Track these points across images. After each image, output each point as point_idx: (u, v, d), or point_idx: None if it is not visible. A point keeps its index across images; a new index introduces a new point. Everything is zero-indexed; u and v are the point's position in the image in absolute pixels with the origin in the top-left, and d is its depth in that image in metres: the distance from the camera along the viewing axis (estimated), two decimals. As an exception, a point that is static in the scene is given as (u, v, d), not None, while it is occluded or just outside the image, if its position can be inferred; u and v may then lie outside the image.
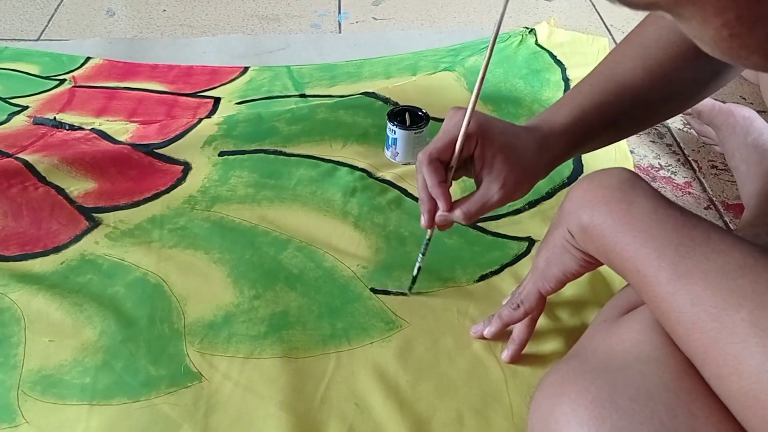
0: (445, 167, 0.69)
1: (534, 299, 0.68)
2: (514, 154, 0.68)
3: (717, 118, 1.00)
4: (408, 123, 0.97)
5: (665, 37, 0.70)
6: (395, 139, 0.97)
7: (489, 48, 0.65)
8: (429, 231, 0.74)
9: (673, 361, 0.49)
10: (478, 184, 0.69)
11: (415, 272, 0.79)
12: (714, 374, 0.45)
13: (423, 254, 0.77)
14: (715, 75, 0.74)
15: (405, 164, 0.98)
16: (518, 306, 0.69)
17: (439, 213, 0.70)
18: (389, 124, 0.96)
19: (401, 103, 1.06)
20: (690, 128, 1.09)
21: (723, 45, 0.37)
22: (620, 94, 0.71)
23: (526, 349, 0.73)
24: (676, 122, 1.11)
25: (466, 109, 0.67)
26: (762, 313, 0.43)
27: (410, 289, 0.80)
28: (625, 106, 0.72)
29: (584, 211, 0.56)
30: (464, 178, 0.73)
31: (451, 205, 0.69)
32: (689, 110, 1.05)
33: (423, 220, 0.71)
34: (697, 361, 0.47)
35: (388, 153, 1.00)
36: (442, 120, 1.05)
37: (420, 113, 0.98)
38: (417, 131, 0.96)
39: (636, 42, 0.73)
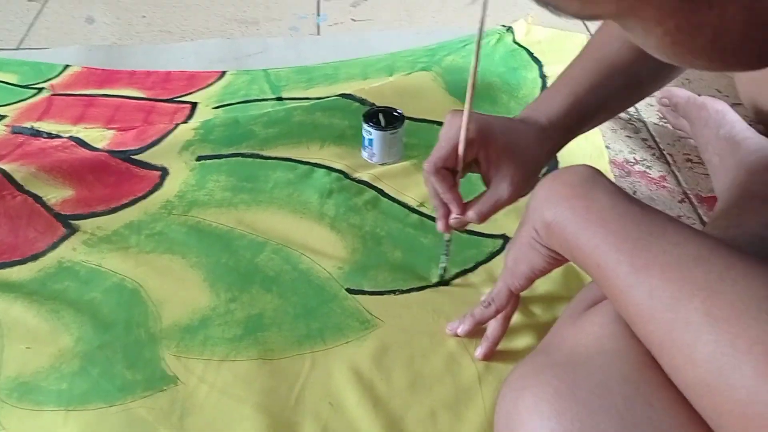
0: (452, 172, 0.71)
1: (504, 297, 0.69)
2: (518, 151, 0.70)
3: (691, 111, 1.01)
4: (383, 124, 0.97)
5: None
6: (371, 140, 0.97)
7: (475, 54, 0.65)
8: (447, 234, 0.77)
9: (633, 353, 0.50)
10: (487, 183, 0.72)
11: (441, 271, 0.82)
12: (670, 364, 0.46)
13: (446, 254, 0.80)
14: None
15: (382, 164, 0.99)
16: (489, 304, 0.70)
17: (452, 216, 0.72)
18: (364, 125, 0.97)
19: (378, 104, 1.07)
20: (666, 122, 1.10)
21: (667, 51, 0.38)
22: (611, 74, 0.73)
23: (500, 346, 0.73)
24: (651, 116, 1.12)
25: (462, 114, 0.69)
26: (714, 302, 0.43)
27: (441, 279, 0.83)
28: (616, 85, 0.74)
29: (547, 208, 0.57)
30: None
31: (464, 207, 0.72)
32: (666, 101, 1.06)
33: (439, 225, 0.74)
34: (655, 351, 0.48)
35: (364, 154, 1.00)
36: (419, 120, 1.07)
37: (395, 113, 0.99)
38: (392, 131, 0.97)
39: None
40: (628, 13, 0.36)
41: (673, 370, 0.46)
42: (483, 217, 0.71)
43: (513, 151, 0.70)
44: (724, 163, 0.91)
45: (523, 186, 0.71)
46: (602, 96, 0.73)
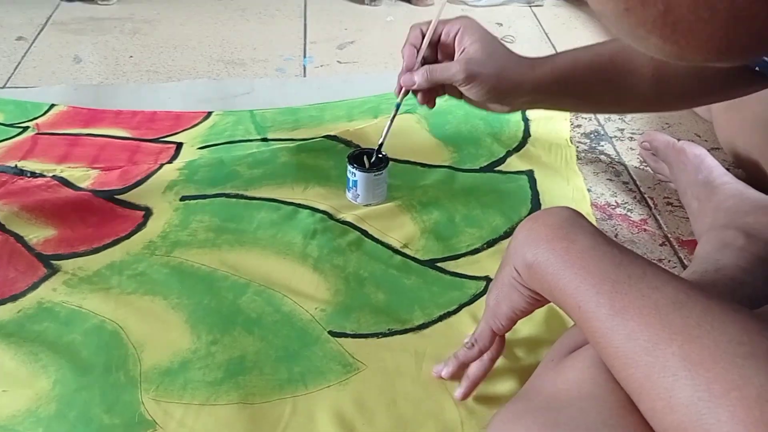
0: (422, 38, 0.81)
1: (487, 337, 0.69)
2: (492, 53, 0.79)
3: (670, 155, 1.02)
4: (367, 165, 0.98)
5: None
6: (355, 181, 0.98)
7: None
8: (399, 98, 0.87)
9: (612, 397, 0.50)
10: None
11: (381, 140, 0.95)
12: (649, 408, 0.46)
13: (390, 124, 0.92)
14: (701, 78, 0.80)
15: (366, 205, 0.99)
16: (473, 345, 0.70)
17: (404, 75, 0.82)
18: (349, 167, 0.98)
19: (363, 145, 1.08)
20: (646, 165, 1.11)
21: (623, 20, 0.37)
22: (613, 58, 0.79)
23: (483, 390, 0.73)
24: (632, 160, 1.14)
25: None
26: (691, 346, 0.44)
27: (380, 147, 0.96)
28: (617, 71, 0.80)
29: (528, 249, 0.58)
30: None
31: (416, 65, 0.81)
32: (647, 145, 1.08)
33: (396, 87, 0.84)
34: (634, 395, 0.48)
35: (349, 195, 1.01)
36: (403, 161, 1.07)
37: (380, 155, 0.99)
38: (376, 173, 0.97)
39: None
40: None
41: (651, 415, 0.46)
42: (427, 80, 0.80)
43: (488, 49, 0.78)
44: (703, 207, 0.92)
45: (476, 80, 0.78)
46: (599, 70, 0.80)
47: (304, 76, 1.40)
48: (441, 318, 0.83)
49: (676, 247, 0.96)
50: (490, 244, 0.94)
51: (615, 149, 1.16)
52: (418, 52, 0.82)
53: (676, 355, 0.44)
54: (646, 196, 1.06)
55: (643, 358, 0.46)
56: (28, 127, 1.16)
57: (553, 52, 0.93)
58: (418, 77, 0.80)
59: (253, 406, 0.72)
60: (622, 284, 0.50)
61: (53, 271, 0.88)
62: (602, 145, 1.17)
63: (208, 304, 0.84)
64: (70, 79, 1.36)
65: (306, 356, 0.78)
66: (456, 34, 0.80)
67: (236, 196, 1.01)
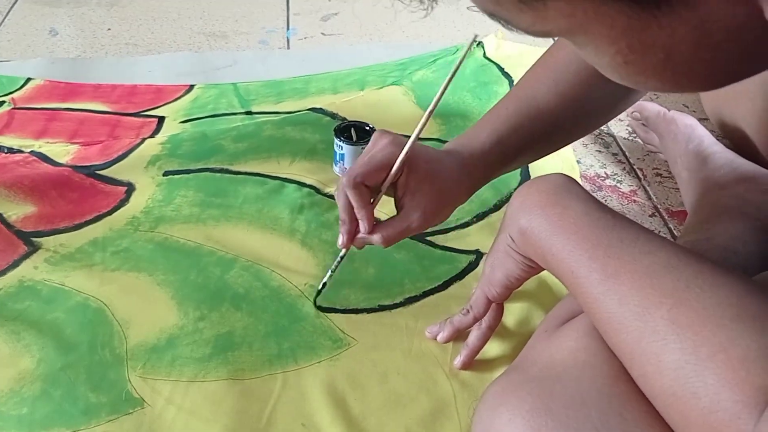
0: (370, 190, 0.70)
1: (482, 304, 0.68)
2: (437, 182, 0.70)
3: (660, 125, 1.01)
4: (355, 138, 0.96)
5: (575, 60, 0.73)
6: (342, 155, 0.96)
7: (442, 87, 0.68)
8: (344, 250, 0.74)
9: (607, 366, 0.50)
10: (399, 209, 0.71)
11: (320, 286, 0.79)
12: (640, 374, 0.46)
13: (333, 272, 0.77)
14: (625, 95, 0.78)
15: None
16: (468, 311, 0.70)
17: (360, 235, 0.71)
18: (336, 140, 0.96)
19: (349, 118, 1.06)
20: (635, 137, 1.11)
21: (620, 71, 0.38)
22: (534, 117, 0.74)
23: (476, 365, 0.72)
24: (621, 131, 1.13)
25: (392, 135, 0.70)
26: (680, 310, 0.44)
27: (315, 302, 0.80)
28: (539, 128, 0.74)
29: (522, 215, 0.57)
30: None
31: (373, 228, 0.71)
32: (637, 115, 1.07)
33: (341, 240, 0.72)
34: (626, 361, 0.48)
35: (336, 168, 0.99)
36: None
37: (367, 128, 0.98)
38: (364, 146, 0.95)
39: (548, 65, 0.76)
40: (579, 31, 0.36)
41: (642, 380, 0.46)
42: (388, 242, 0.71)
43: (432, 181, 0.70)
44: (693, 177, 0.92)
45: (434, 217, 0.72)
46: (525, 136, 0.74)
47: (288, 48, 1.37)
48: (432, 292, 0.82)
49: (666, 218, 0.96)
50: (480, 217, 0.93)
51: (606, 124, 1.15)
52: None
53: (665, 319, 0.44)
54: (635, 167, 1.06)
55: (634, 323, 0.46)
56: (3, 102, 1.13)
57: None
58: (378, 241, 0.71)
59: (242, 381, 0.71)
60: (614, 249, 0.50)
61: (34, 248, 0.86)
62: (590, 117, 1.16)
63: (195, 280, 0.82)
64: (47, 52, 1.32)
65: (295, 331, 0.77)
66: (400, 175, 0.70)
67: (221, 170, 0.99)
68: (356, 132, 0.97)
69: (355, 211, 0.70)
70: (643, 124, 1.07)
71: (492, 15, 0.37)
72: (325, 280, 0.78)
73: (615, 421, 0.45)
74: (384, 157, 0.68)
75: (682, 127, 0.97)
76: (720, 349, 0.41)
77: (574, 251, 0.52)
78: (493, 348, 0.74)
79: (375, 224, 0.71)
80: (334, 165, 0.99)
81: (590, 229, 0.52)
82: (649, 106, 1.05)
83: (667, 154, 1.01)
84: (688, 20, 0.33)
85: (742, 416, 0.39)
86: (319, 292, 0.80)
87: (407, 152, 0.68)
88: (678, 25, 0.34)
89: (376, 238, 0.70)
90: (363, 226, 0.70)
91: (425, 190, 0.70)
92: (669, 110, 1.01)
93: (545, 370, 0.52)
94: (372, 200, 0.71)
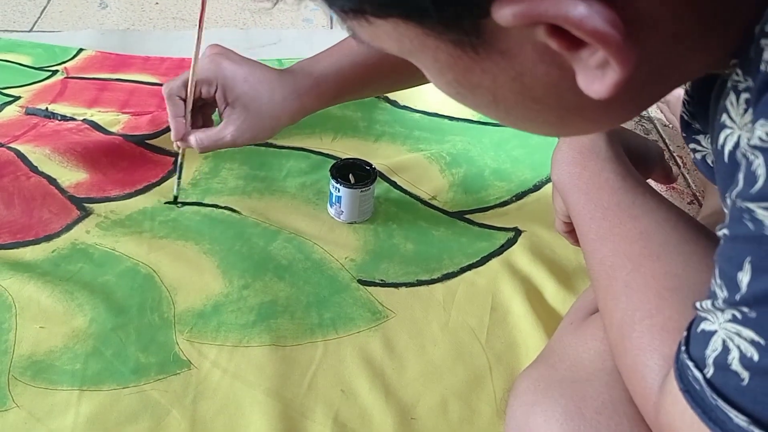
0: (185, 102, 0.79)
1: (560, 228, 0.70)
2: (255, 102, 0.77)
3: (679, 109, 1.02)
4: (353, 180, 0.88)
5: None
6: (339, 197, 0.87)
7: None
8: (180, 154, 0.86)
9: None
10: (221, 121, 0.79)
11: (175, 192, 0.90)
12: (605, 325, 0.51)
13: (178, 177, 0.89)
14: None
15: (350, 223, 0.90)
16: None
17: (180, 140, 0.80)
18: (332, 182, 0.87)
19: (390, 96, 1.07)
20: (672, 126, 1.11)
21: (459, 100, 0.39)
22: (380, 57, 0.77)
23: (511, 339, 0.74)
24: (662, 118, 1.13)
25: (216, 50, 0.79)
26: (635, 274, 0.48)
27: (176, 200, 0.91)
28: (384, 68, 0.78)
29: (554, 169, 0.62)
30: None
31: (187, 133, 0.80)
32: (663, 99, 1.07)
33: (173, 143, 0.82)
34: (601, 316, 0.52)
35: (331, 211, 0.90)
36: (431, 114, 1.07)
37: (367, 167, 0.89)
38: (363, 189, 0.87)
39: None
40: (409, 56, 0.36)
41: (606, 333, 0.51)
42: (202, 147, 0.79)
43: (250, 100, 0.76)
44: None
45: (250, 134, 0.78)
46: (368, 74, 0.78)
47: (331, 27, 1.39)
48: (469, 267, 0.84)
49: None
50: (519, 197, 0.94)
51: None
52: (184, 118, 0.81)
53: (622, 281, 0.48)
54: (675, 154, 1.06)
55: (603, 282, 0.51)
56: (57, 71, 1.16)
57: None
58: (193, 144, 0.80)
59: (284, 348, 0.74)
60: (610, 211, 0.53)
61: (86, 213, 0.89)
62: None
63: (240, 250, 0.85)
64: (96, 24, 1.35)
65: (336, 303, 0.79)
66: (215, 91, 0.78)
67: (265, 144, 1.01)
68: (355, 172, 0.89)
69: (169, 119, 0.79)
70: (666, 106, 1.07)
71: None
72: (175, 185, 0.89)
73: (646, 430, 0.46)
74: (197, 71, 0.76)
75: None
76: (648, 315, 0.45)
77: (582, 210, 0.56)
78: (527, 328, 0.76)
79: (197, 130, 0.80)
80: (329, 207, 0.90)
81: (597, 190, 0.56)
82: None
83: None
84: (506, 70, 0.34)
85: (648, 379, 0.43)
86: (175, 198, 0.90)
87: (194, 68, 0.75)
88: (498, 73, 0.34)
89: (191, 139, 0.79)
90: (175, 133, 0.80)
91: (242, 107, 0.77)
92: None
93: (575, 370, 0.53)
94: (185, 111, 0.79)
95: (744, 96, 0.34)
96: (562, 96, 0.34)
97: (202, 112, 0.83)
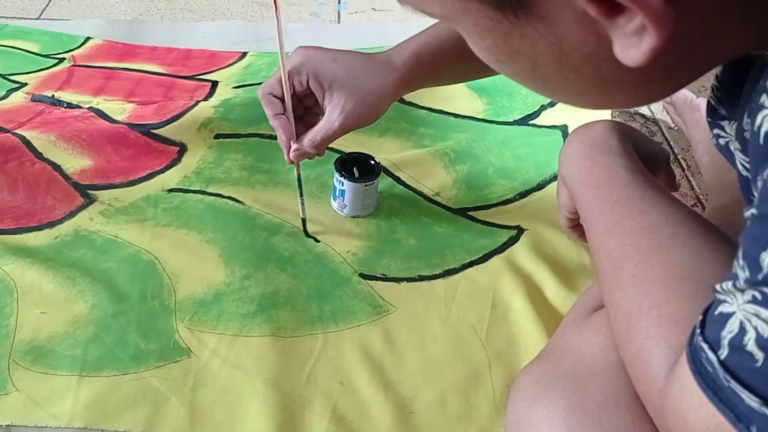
0: (282, 100, 0.73)
1: (564, 223, 0.70)
2: (352, 80, 0.72)
3: (685, 111, 1.02)
4: (357, 174, 0.88)
5: None
6: (343, 191, 0.87)
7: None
8: (296, 169, 0.80)
9: None
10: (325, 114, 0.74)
11: (302, 214, 0.85)
12: (609, 316, 0.51)
13: (301, 195, 0.83)
14: None
15: (353, 217, 0.90)
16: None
17: (292, 147, 0.75)
18: (336, 175, 0.87)
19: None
20: (678, 129, 1.11)
21: (497, 67, 0.39)
22: (444, 46, 0.75)
23: (511, 336, 0.74)
24: (667, 121, 1.13)
25: (305, 48, 0.73)
26: (644, 266, 0.48)
27: (305, 231, 0.86)
28: (450, 56, 0.75)
29: (563, 162, 0.62)
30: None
31: (298, 138, 0.74)
32: (669, 99, 1.07)
33: (285, 156, 0.76)
34: (605, 305, 0.52)
35: (334, 204, 0.90)
36: (436, 111, 1.07)
37: (372, 162, 0.89)
38: (367, 184, 0.86)
39: None
40: (451, 19, 0.37)
41: (610, 322, 0.51)
42: (316, 146, 0.74)
43: (346, 79, 0.72)
44: (713, 161, 0.92)
45: (357, 113, 0.73)
46: (460, 49, 0.76)
47: (338, 22, 1.39)
48: (471, 264, 0.84)
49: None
50: (523, 195, 0.94)
51: (650, 109, 1.15)
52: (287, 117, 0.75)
53: (629, 272, 0.49)
54: (679, 157, 1.06)
55: (610, 273, 0.51)
56: (64, 59, 1.17)
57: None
58: (308, 147, 0.74)
59: (284, 339, 0.74)
60: (619, 205, 0.54)
61: (90, 200, 0.89)
62: (637, 105, 1.16)
63: (242, 240, 0.85)
64: (104, 13, 1.36)
65: (337, 296, 0.79)
66: (307, 80, 0.73)
67: (270, 136, 1.01)
68: (359, 167, 0.89)
69: (270, 121, 0.74)
70: (672, 107, 1.07)
71: None
72: (302, 206, 0.84)
73: (649, 425, 0.47)
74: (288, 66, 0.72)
75: (704, 114, 0.97)
76: (655, 306, 0.45)
77: (591, 203, 0.56)
78: (528, 326, 0.76)
79: (301, 135, 0.74)
80: (332, 200, 0.90)
81: (607, 184, 0.56)
82: (680, 92, 1.05)
83: (690, 139, 1.02)
84: (546, 36, 0.34)
85: (655, 368, 0.43)
86: (304, 221, 0.86)
87: (282, 59, 0.70)
88: (537, 38, 0.34)
89: (305, 143, 0.74)
90: (281, 136, 0.74)
91: (340, 88, 0.72)
92: (698, 96, 1.02)
93: (577, 365, 0.53)
94: (284, 110, 0.74)
95: None
96: (598, 65, 0.35)
97: (304, 121, 0.77)
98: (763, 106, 0.36)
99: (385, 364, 0.72)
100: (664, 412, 0.41)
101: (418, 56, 0.74)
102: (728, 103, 0.47)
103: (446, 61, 0.75)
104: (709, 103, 0.50)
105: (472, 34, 0.37)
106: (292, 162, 0.77)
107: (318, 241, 0.86)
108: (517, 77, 0.39)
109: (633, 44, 0.31)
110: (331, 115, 0.72)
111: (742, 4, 0.33)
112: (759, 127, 0.36)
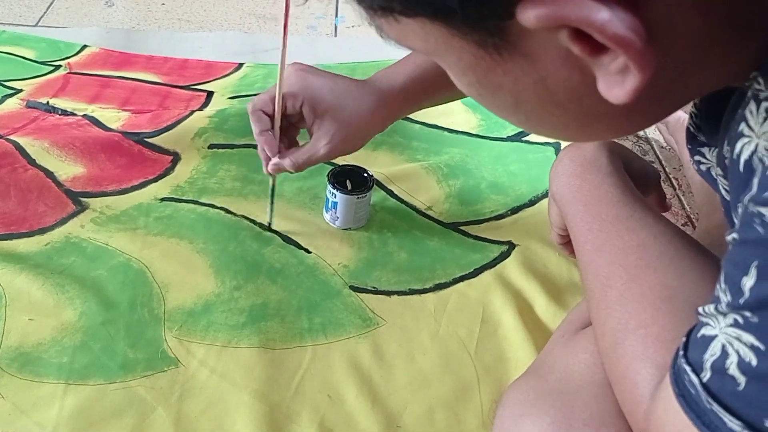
0: (271, 119, 0.75)
1: (556, 240, 0.70)
2: (344, 112, 0.74)
3: (677, 131, 1.03)
4: (350, 186, 0.88)
5: None
6: (335, 203, 0.87)
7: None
8: (271, 180, 0.83)
9: None
10: (310, 137, 0.76)
11: (269, 219, 0.87)
12: (596, 334, 0.51)
13: (271, 202, 0.85)
14: None
15: (345, 229, 0.90)
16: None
17: (272, 162, 0.77)
18: (329, 187, 0.87)
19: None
20: (670, 148, 1.11)
21: (480, 102, 0.39)
22: (436, 71, 0.75)
23: (500, 352, 0.74)
24: (660, 140, 1.14)
25: (300, 66, 0.75)
26: (631, 285, 0.48)
27: (269, 227, 0.88)
28: (439, 82, 0.75)
29: (553, 180, 0.62)
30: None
31: (281, 154, 0.76)
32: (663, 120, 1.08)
33: (264, 167, 0.78)
34: (592, 324, 0.52)
35: (326, 216, 0.90)
36: (430, 125, 1.07)
37: (365, 174, 0.89)
38: (360, 196, 0.87)
39: None
40: (434, 55, 0.37)
41: (597, 340, 0.51)
42: (297, 167, 0.76)
43: (338, 111, 0.74)
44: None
45: (343, 146, 0.76)
46: (429, 85, 0.76)
47: (335, 35, 1.39)
48: (462, 278, 0.84)
49: (699, 228, 0.96)
50: (515, 211, 0.94)
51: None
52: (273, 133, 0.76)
53: (617, 291, 0.49)
54: (671, 176, 1.06)
55: (598, 292, 0.51)
56: (60, 66, 1.17)
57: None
58: (288, 166, 0.76)
59: (273, 351, 0.74)
60: (608, 224, 0.54)
61: (82, 208, 0.89)
62: (630, 124, 1.17)
63: (233, 251, 0.85)
64: (102, 22, 1.36)
65: (327, 308, 0.79)
66: (301, 105, 0.74)
67: (264, 148, 1.01)
68: (352, 179, 0.89)
69: (255, 137, 0.76)
70: (665, 126, 1.08)
71: (372, 18, 0.37)
72: (269, 212, 0.87)
73: None
74: (282, 86, 0.73)
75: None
76: (642, 325, 0.46)
77: (580, 221, 0.56)
78: (517, 340, 0.76)
79: (288, 150, 0.77)
80: (324, 212, 0.91)
81: (596, 202, 0.56)
82: None
83: (681, 158, 1.03)
84: (529, 73, 0.34)
85: (640, 387, 0.43)
86: (269, 224, 0.88)
87: (280, 81, 0.72)
88: (521, 75, 0.35)
89: (286, 162, 0.76)
90: (267, 151, 0.76)
91: (330, 120, 0.74)
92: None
93: (564, 382, 0.53)
94: (272, 126, 0.75)
95: (765, 105, 0.34)
96: (582, 101, 0.35)
97: (287, 134, 0.78)
98: (742, 134, 0.36)
99: (373, 378, 0.72)
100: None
101: (406, 91, 0.76)
102: (707, 130, 0.48)
103: (432, 90, 0.77)
104: (688, 130, 0.51)
105: (455, 69, 0.37)
106: (269, 174, 0.79)
107: (309, 252, 0.86)
108: (499, 112, 0.39)
109: (617, 83, 0.32)
110: (318, 141, 0.75)
111: (723, 43, 0.34)
112: (738, 155, 0.36)
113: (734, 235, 0.35)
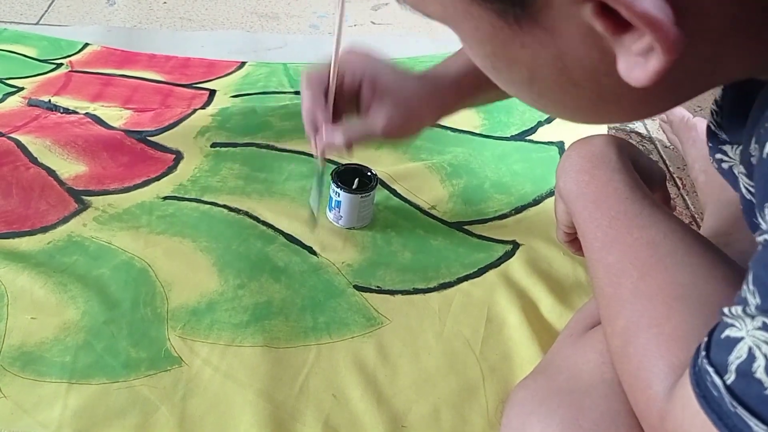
0: (325, 94, 0.71)
1: (562, 238, 0.69)
2: (404, 95, 0.72)
3: (681, 130, 1.03)
4: (355, 185, 0.88)
5: None
6: (339, 202, 0.87)
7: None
8: (319, 163, 0.76)
9: None
10: (366, 115, 0.72)
11: (313, 211, 0.84)
12: (606, 333, 0.50)
13: (319, 190, 0.80)
14: None
15: (349, 228, 0.89)
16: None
17: (324, 138, 0.71)
18: (333, 186, 0.87)
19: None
20: (673, 147, 1.11)
21: (494, 76, 0.39)
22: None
23: (506, 351, 0.74)
24: (663, 139, 1.13)
25: (358, 48, 0.72)
26: (642, 283, 0.47)
27: (313, 227, 0.87)
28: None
29: (560, 176, 0.61)
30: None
31: (334, 126, 0.71)
32: (665, 117, 1.08)
33: (312, 149, 0.74)
34: (602, 321, 0.52)
35: (330, 215, 0.89)
36: (435, 126, 1.07)
37: (369, 173, 0.89)
38: (364, 195, 0.86)
39: None
40: (451, 23, 0.37)
41: (606, 338, 0.50)
42: (350, 143, 0.71)
43: (399, 92, 0.71)
44: (710, 181, 0.92)
45: (399, 128, 0.72)
46: (482, 80, 0.75)
47: (337, 34, 1.39)
48: (466, 278, 0.83)
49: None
50: (519, 210, 0.94)
51: (646, 128, 1.16)
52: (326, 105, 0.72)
53: (628, 289, 0.48)
54: (675, 176, 1.06)
55: (607, 289, 0.50)
56: (62, 64, 1.16)
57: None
58: (339, 140, 0.71)
59: (277, 350, 0.73)
60: (617, 220, 0.53)
61: (84, 206, 0.89)
62: (633, 123, 1.16)
63: (237, 250, 0.84)
64: (103, 20, 1.36)
65: (331, 307, 0.79)
66: (360, 82, 0.71)
67: (266, 146, 1.01)
68: (358, 179, 0.88)
69: (303, 111, 0.71)
70: (669, 126, 1.08)
71: None
72: (314, 204, 0.83)
73: None
74: (342, 62, 0.70)
75: (701, 133, 0.98)
76: (655, 323, 0.45)
77: (588, 218, 0.55)
78: (523, 340, 0.75)
79: (339, 127, 0.71)
80: (328, 211, 0.90)
81: (605, 199, 0.55)
82: (675, 110, 1.05)
83: (686, 157, 1.03)
84: (548, 47, 0.33)
85: (654, 386, 0.42)
86: (314, 218, 0.85)
87: (336, 54, 0.68)
88: (539, 49, 0.34)
89: (337, 137, 0.71)
90: (318, 126, 0.71)
91: (392, 99, 0.71)
92: (695, 115, 1.02)
93: (572, 381, 0.53)
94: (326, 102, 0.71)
95: None
96: (600, 81, 0.34)
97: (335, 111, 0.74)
98: None
99: (378, 377, 0.71)
100: (663, 431, 0.40)
101: (459, 84, 0.74)
102: (730, 127, 0.47)
103: (485, 86, 0.75)
104: (709, 127, 0.50)
105: (472, 39, 0.36)
106: (316, 158, 0.74)
107: (313, 251, 0.85)
108: (512, 87, 0.39)
109: (638, 64, 0.31)
110: (376, 119, 0.71)
111: (753, 29, 0.33)
112: None
113: (766, 236, 0.35)
